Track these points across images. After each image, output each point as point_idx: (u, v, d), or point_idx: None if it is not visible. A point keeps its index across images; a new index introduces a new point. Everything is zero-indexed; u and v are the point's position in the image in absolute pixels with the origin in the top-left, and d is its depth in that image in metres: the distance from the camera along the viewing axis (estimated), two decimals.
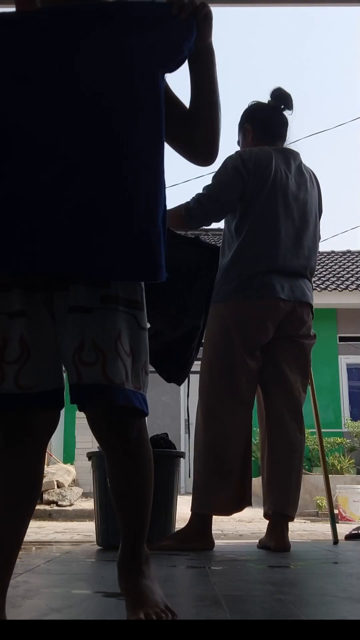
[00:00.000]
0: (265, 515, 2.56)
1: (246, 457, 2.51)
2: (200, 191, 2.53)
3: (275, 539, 2.42)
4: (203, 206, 2.49)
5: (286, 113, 2.69)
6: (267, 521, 2.56)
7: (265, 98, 2.71)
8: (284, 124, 2.69)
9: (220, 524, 4.57)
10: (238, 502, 2.48)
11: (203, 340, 2.63)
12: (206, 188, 2.52)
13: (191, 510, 2.50)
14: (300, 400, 2.61)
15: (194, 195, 2.51)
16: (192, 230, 2.57)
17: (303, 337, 2.61)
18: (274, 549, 2.40)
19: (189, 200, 2.52)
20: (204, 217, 2.52)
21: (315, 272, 13.61)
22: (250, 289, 2.47)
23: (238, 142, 2.78)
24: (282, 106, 2.67)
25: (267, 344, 2.56)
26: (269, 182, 2.51)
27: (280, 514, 2.48)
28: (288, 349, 2.58)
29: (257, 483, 3.04)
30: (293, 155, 2.64)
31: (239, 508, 2.52)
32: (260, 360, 2.56)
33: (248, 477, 2.52)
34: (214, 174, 2.55)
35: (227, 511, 2.52)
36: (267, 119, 2.68)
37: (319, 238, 2.74)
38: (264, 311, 2.49)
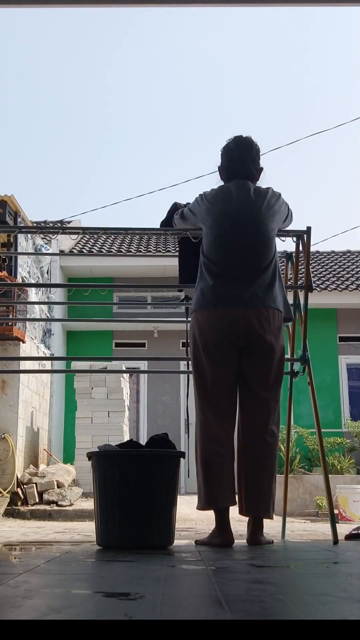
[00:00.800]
0: (242, 514, 2.82)
1: (227, 459, 2.72)
2: (184, 209, 3.17)
3: (249, 535, 2.74)
4: (178, 219, 3.22)
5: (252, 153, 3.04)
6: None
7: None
8: (242, 164, 3.00)
9: None
10: (226, 497, 2.68)
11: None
12: (185, 209, 3.16)
13: (198, 508, 2.79)
14: (265, 408, 2.77)
15: (183, 208, 3.20)
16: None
17: (266, 343, 2.76)
18: (248, 543, 2.72)
19: (181, 210, 3.20)
20: (177, 225, 3.25)
21: (316, 272, 13.62)
22: (208, 299, 2.78)
23: None
24: (240, 151, 3.01)
25: (238, 353, 2.78)
26: (222, 212, 2.90)
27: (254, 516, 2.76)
28: (251, 355, 2.78)
29: None
30: (246, 185, 2.97)
31: (229, 502, 2.71)
32: (231, 368, 2.78)
33: (232, 475, 2.74)
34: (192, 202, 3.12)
35: (216, 504, 2.69)
36: (226, 164, 3.03)
37: (273, 243, 2.98)
38: (219, 320, 2.75)
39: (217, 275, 2.82)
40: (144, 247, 12.54)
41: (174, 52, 30.41)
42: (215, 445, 2.71)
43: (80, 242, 13.03)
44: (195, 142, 31.86)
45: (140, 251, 12.21)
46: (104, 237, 13.05)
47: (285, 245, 3.31)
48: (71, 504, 7.23)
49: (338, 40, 31.22)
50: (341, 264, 13.44)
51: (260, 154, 3.09)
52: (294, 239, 3.42)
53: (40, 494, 7.36)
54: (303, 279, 3.34)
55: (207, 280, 2.83)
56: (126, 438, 9.01)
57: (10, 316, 8.02)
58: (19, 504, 7.24)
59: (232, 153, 3.03)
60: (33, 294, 9.62)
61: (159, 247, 12.46)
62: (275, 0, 3.37)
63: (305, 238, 3.35)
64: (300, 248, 3.42)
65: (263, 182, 3.07)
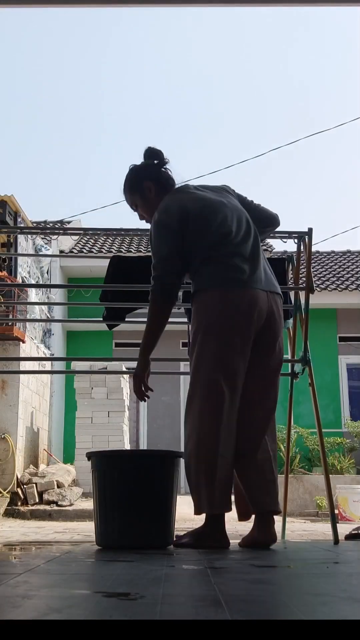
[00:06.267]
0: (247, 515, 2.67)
1: (232, 461, 2.53)
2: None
3: (263, 533, 2.54)
4: (158, 284, 2.58)
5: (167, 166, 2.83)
6: None
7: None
8: (169, 175, 2.82)
9: None
10: (231, 501, 2.50)
11: (193, 331, 2.60)
12: (153, 270, 2.61)
13: (198, 512, 2.52)
14: (274, 406, 2.65)
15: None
16: (169, 305, 2.63)
17: (278, 331, 2.61)
18: (263, 542, 2.51)
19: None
20: (167, 288, 2.59)
21: (316, 272, 13.62)
22: (230, 277, 2.50)
23: (134, 206, 2.85)
24: (156, 162, 2.82)
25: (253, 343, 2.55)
26: (197, 207, 2.61)
27: (268, 511, 2.57)
28: (264, 344, 2.58)
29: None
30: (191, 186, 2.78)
31: (245, 513, 2.58)
32: (247, 359, 2.54)
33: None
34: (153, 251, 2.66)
35: (227, 508, 2.50)
36: (158, 172, 2.80)
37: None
38: (245, 302, 2.50)
39: (230, 255, 2.54)
40: (144, 247, 12.53)
41: (172, 51, 30.43)
42: (224, 446, 2.47)
43: (80, 243, 13.03)
44: (194, 141, 31.86)
45: (141, 251, 12.21)
46: (104, 237, 13.05)
47: (286, 246, 3.32)
48: (71, 504, 7.23)
49: (338, 40, 31.22)
50: (341, 264, 13.44)
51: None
52: (295, 240, 3.43)
53: (40, 494, 7.36)
54: (304, 279, 3.34)
55: (222, 259, 2.54)
56: (126, 438, 9.01)
57: (11, 316, 8.03)
58: (19, 504, 7.24)
59: (157, 165, 2.84)
60: (33, 294, 9.62)
61: None
62: (274, 0, 3.38)
63: (306, 239, 3.35)
64: (302, 249, 3.42)
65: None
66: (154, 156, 2.82)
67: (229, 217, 2.63)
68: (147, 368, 2.63)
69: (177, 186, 2.81)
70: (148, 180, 2.77)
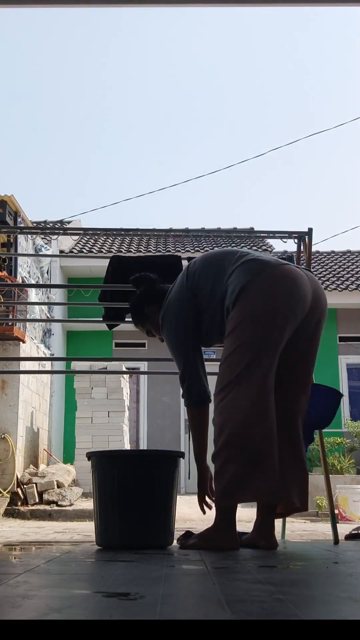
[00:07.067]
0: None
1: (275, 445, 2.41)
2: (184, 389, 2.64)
3: (265, 540, 2.48)
4: (193, 395, 2.61)
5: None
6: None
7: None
8: (162, 288, 2.84)
9: None
10: (279, 490, 2.42)
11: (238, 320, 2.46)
12: (182, 376, 2.63)
13: (217, 507, 2.44)
14: (306, 396, 2.61)
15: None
16: (206, 408, 2.64)
17: (322, 318, 2.56)
18: (263, 548, 2.44)
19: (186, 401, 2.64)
20: (202, 398, 2.61)
21: (316, 272, 13.61)
22: (269, 261, 2.50)
23: (149, 333, 2.89)
24: (146, 284, 2.86)
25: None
26: (193, 268, 2.66)
27: (270, 512, 2.53)
28: (306, 331, 2.51)
29: None
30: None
31: (280, 497, 2.49)
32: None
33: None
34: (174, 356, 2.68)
35: (270, 497, 2.43)
36: (153, 293, 2.83)
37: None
38: (297, 275, 2.46)
39: (246, 254, 2.58)
40: (144, 247, 12.53)
41: (173, 51, 30.41)
42: (273, 433, 2.36)
43: (80, 242, 13.03)
44: (194, 141, 31.86)
45: (141, 251, 12.22)
46: (104, 237, 13.05)
47: (286, 246, 3.33)
48: (71, 504, 7.23)
49: (338, 40, 31.22)
50: (341, 264, 13.44)
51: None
52: (295, 240, 3.43)
53: (40, 494, 7.36)
54: None
55: (246, 259, 2.52)
56: (126, 438, 9.00)
57: (11, 316, 8.03)
58: (19, 504, 7.25)
59: (149, 288, 2.90)
60: (33, 294, 9.62)
61: (159, 248, 12.46)
62: (275, 0, 3.38)
63: (306, 239, 3.36)
64: (302, 249, 3.42)
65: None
66: (141, 283, 2.88)
67: (225, 249, 2.70)
68: (208, 474, 2.62)
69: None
70: (148, 306, 2.82)
